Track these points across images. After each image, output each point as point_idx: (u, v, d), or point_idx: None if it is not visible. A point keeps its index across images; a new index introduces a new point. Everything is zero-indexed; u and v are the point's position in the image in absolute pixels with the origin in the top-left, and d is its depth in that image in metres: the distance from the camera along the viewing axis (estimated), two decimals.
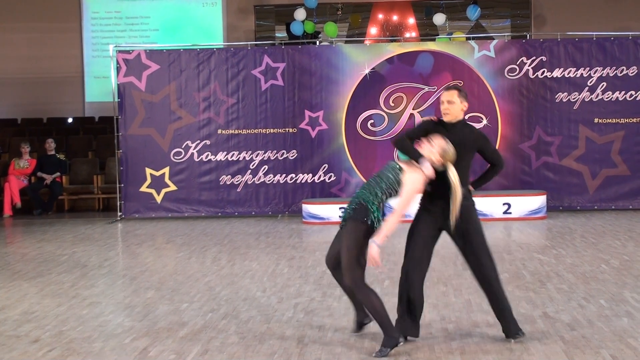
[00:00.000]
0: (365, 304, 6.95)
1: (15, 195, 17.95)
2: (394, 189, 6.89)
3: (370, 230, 6.82)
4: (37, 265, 11.69)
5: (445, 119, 7.26)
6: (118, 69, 16.61)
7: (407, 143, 7.15)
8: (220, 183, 16.47)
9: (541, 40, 16.70)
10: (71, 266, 11.52)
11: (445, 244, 12.59)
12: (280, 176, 16.43)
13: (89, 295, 9.59)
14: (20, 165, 18.39)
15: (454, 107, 7.24)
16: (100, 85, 23.06)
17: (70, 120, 23.49)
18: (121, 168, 16.64)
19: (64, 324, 8.22)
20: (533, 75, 16.18)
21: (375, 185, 6.92)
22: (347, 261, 6.84)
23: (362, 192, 6.96)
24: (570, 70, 16.14)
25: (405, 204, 6.86)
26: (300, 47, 17.10)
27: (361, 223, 6.81)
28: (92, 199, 18.88)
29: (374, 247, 6.75)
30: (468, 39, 17.31)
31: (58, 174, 18.40)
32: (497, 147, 16.01)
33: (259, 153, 16.42)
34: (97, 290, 9.86)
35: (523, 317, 7.91)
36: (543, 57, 16.17)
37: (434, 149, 6.98)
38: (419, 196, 7.22)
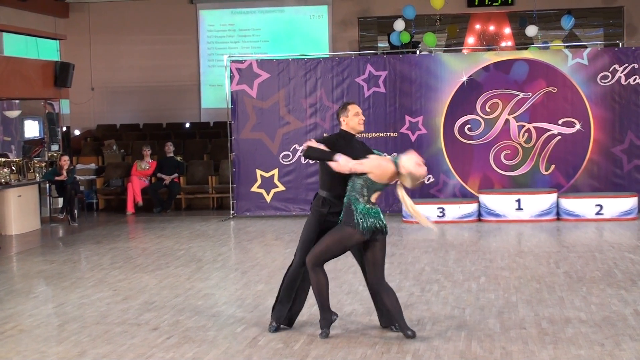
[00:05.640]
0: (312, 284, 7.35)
1: (137, 194, 18.30)
2: None
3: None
4: (157, 259, 11.92)
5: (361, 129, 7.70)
6: (231, 78, 16.79)
7: (314, 150, 7.35)
8: None
9: (633, 48, 16.27)
10: (187, 260, 11.70)
11: (539, 243, 12.44)
12: None
13: (203, 287, 9.73)
14: (141, 167, 18.74)
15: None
16: (215, 92, 23.39)
17: (187, 125, 23.87)
18: (234, 169, 16.82)
19: (181, 313, 8.35)
20: (625, 81, 15.78)
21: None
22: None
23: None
24: None
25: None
26: (401, 56, 17.00)
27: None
28: (207, 198, 19.11)
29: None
30: (566, 47, 16.97)
31: (176, 174, 18.69)
32: (589, 150, 15.74)
33: None
34: (211, 283, 10.00)
35: (615, 314, 7.74)
36: (635, 65, 15.75)
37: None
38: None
